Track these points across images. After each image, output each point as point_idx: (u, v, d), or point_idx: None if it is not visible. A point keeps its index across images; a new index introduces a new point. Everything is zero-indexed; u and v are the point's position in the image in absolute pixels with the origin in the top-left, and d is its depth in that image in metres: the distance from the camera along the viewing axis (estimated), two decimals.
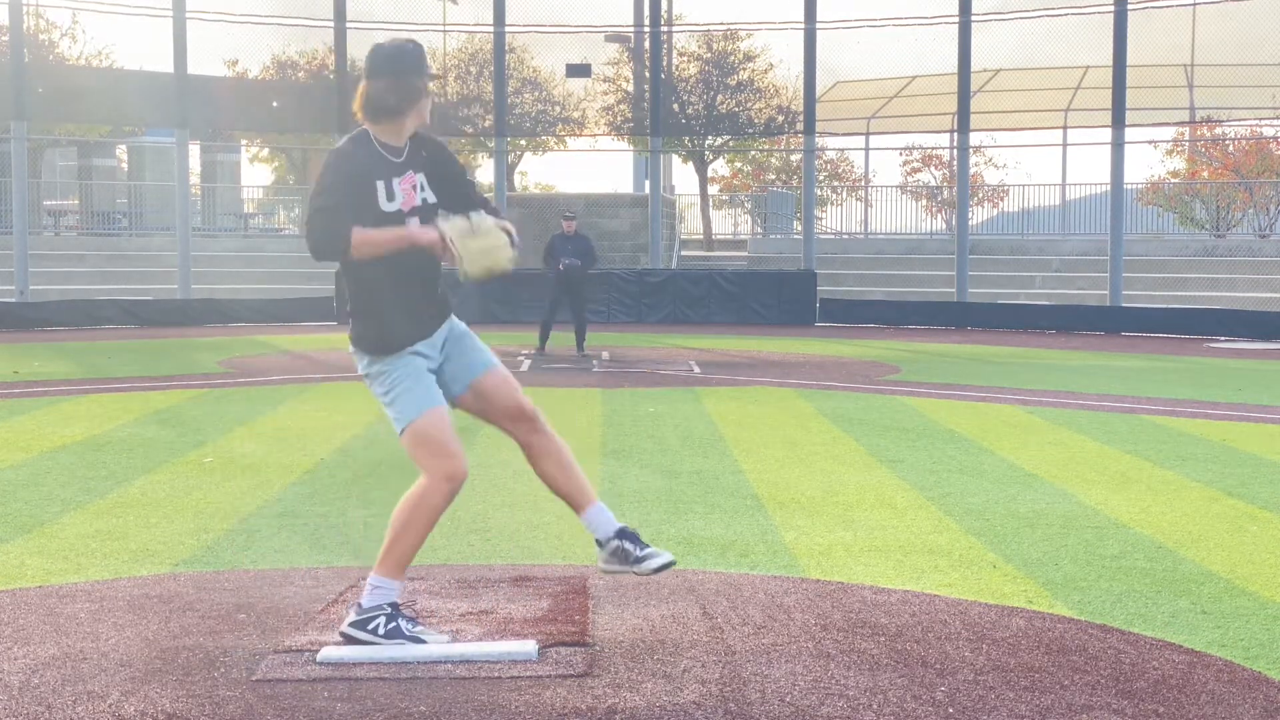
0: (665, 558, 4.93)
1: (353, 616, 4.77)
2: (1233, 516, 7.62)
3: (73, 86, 28.01)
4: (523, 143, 35.47)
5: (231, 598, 5.53)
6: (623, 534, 4.91)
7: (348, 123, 27.97)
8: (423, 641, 4.71)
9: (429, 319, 4.84)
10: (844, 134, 35.84)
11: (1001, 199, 38.98)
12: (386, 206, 4.71)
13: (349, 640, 4.73)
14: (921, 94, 32.59)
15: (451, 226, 4.74)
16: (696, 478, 8.73)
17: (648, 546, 4.93)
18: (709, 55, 32.38)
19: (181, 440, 10.35)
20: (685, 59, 32.38)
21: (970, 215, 30.96)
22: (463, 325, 4.97)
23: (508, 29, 28.31)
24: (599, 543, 4.93)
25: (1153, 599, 5.73)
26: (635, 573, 4.91)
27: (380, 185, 4.73)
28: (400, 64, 4.84)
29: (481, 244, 4.74)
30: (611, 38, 31.94)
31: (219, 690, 4.33)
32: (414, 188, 4.81)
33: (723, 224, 41.46)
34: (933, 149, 39.75)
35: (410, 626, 4.76)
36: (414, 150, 4.88)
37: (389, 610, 4.74)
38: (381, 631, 4.70)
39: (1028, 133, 40.73)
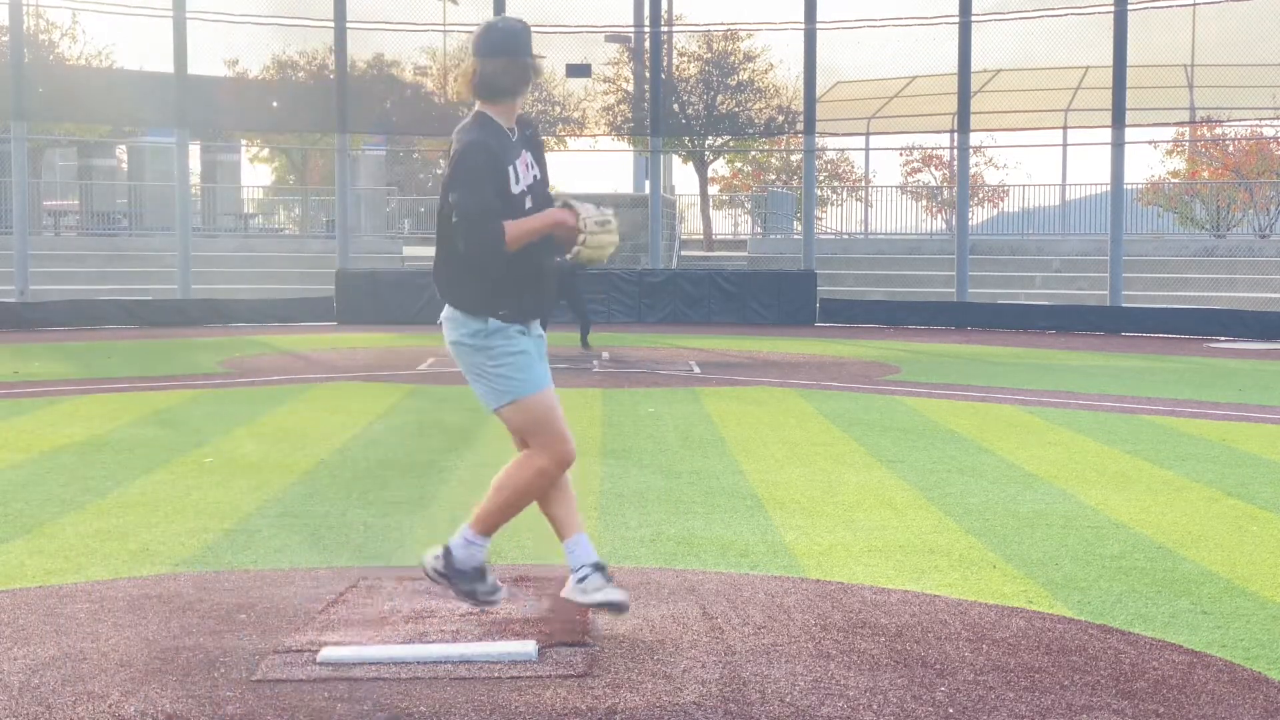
0: (619, 596, 4.90)
1: (442, 564, 4.92)
2: (1233, 516, 7.62)
3: (73, 86, 28.01)
4: None
5: (231, 598, 5.53)
6: (597, 566, 4.92)
7: (348, 122, 28.05)
8: (495, 602, 4.96)
9: (543, 302, 4.95)
10: (844, 134, 35.85)
11: (1001, 199, 38.99)
12: (515, 189, 4.82)
13: (435, 580, 4.93)
14: (921, 94, 32.59)
15: (588, 213, 4.89)
16: (696, 478, 8.73)
17: (612, 581, 4.95)
18: (709, 55, 32.39)
19: (181, 440, 10.34)
20: (685, 59, 32.40)
21: (970, 215, 30.96)
22: (542, 330, 5.05)
23: None
24: (573, 571, 4.94)
25: (1153, 599, 5.73)
26: (580, 600, 4.90)
27: (510, 169, 4.82)
28: (516, 44, 4.84)
29: (608, 237, 4.91)
30: (611, 38, 31.95)
31: (219, 690, 4.33)
32: (526, 166, 4.91)
33: (723, 224, 41.47)
34: (933, 149, 39.77)
35: (490, 594, 4.93)
36: (520, 128, 4.97)
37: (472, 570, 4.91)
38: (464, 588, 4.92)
39: (1028, 133, 40.66)
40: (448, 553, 4.93)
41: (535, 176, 4.93)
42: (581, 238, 4.85)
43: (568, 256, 4.91)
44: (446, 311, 4.89)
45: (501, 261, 4.72)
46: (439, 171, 52.14)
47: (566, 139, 36.02)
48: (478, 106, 4.90)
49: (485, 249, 4.69)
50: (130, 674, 4.50)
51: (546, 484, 4.86)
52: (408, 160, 48.03)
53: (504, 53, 4.81)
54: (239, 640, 4.88)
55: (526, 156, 4.92)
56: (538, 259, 4.87)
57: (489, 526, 4.92)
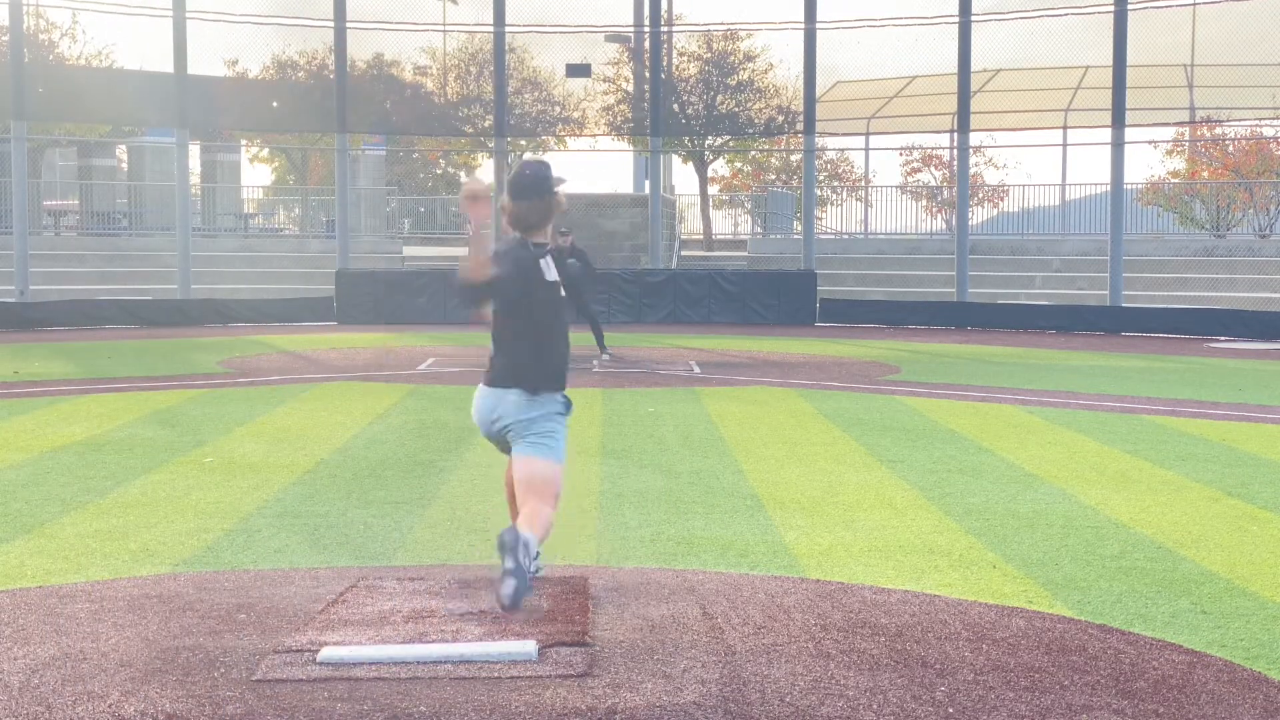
0: (512, 586, 5.08)
1: (522, 559, 5.15)
2: (1233, 516, 7.62)
3: (73, 86, 28.01)
4: (523, 143, 35.42)
5: (231, 598, 5.53)
6: (529, 544, 5.21)
7: (348, 123, 28.05)
8: (540, 568, 5.63)
9: None
10: (844, 134, 35.83)
11: (1001, 199, 38.97)
12: (548, 278, 5.72)
13: (516, 574, 5.08)
14: (921, 94, 32.59)
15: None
16: (696, 478, 8.73)
17: (539, 568, 5.63)
18: (709, 55, 32.38)
19: (181, 440, 10.34)
20: (685, 59, 32.39)
21: (970, 215, 30.97)
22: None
23: (508, 29, 28.32)
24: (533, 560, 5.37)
25: (1153, 599, 5.73)
26: (501, 566, 5.14)
27: (541, 263, 5.72)
28: (541, 186, 5.66)
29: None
30: (611, 38, 31.95)
31: (219, 690, 4.33)
32: (548, 265, 5.80)
33: (723, 224, 41.46)
34: (933, 149, 39.76)
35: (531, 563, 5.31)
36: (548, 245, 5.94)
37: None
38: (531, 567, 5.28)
39: (1028, 133, 40.68)
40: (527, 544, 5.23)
41: (552, 279, 5.77)
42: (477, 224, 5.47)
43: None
44: (544, 392, 5.59)
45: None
46: (439, 171, 52.17)
47: (566, 139, 36.04)
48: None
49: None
50: (130, 674, 4.50)
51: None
52: (408, 160, 48.02)
53: (534, 195, 5.64)
54: (239, 640, 4.88)
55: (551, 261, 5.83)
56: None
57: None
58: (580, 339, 18.79)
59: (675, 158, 38.26)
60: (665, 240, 30.95)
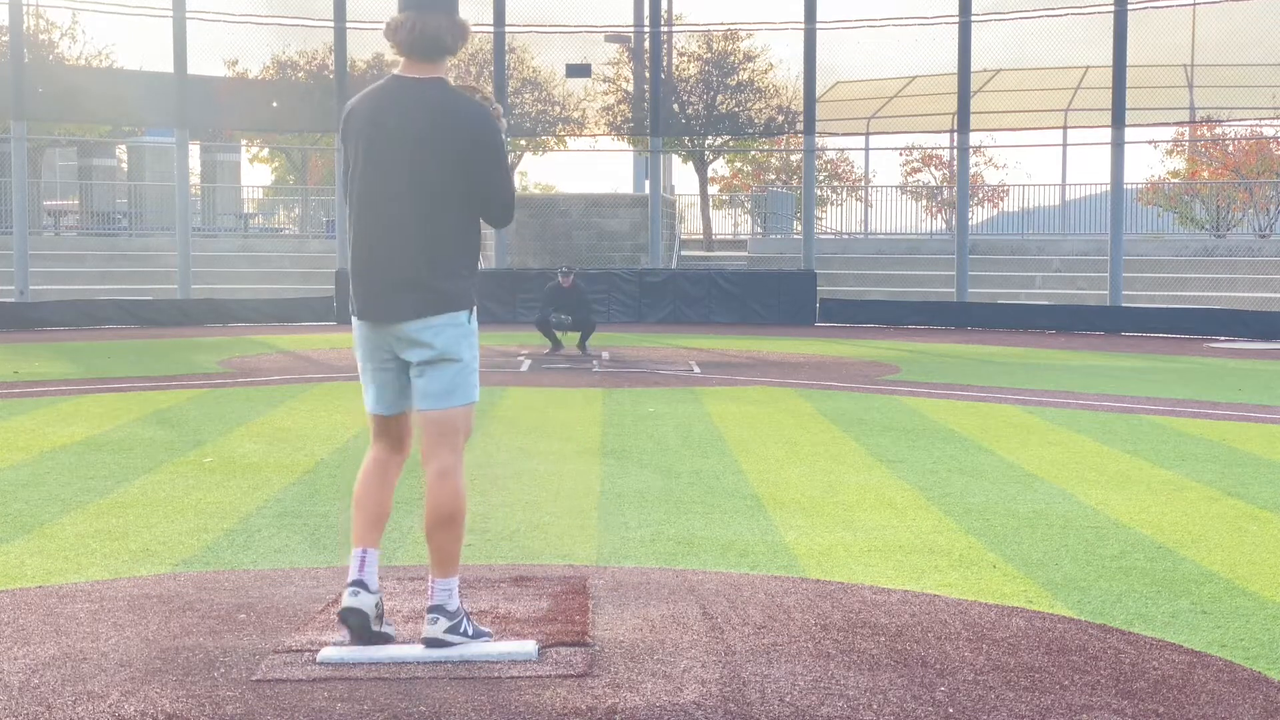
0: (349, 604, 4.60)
1: (445, 623, 4.61)
2: (1233, 516, 7.62)
3: (73, 86, 28.00)
4: (523, 142, 35.43)
5: (231, 598, 5.53)
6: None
7: None
8: (489, 636, 4.72)
9: None
10: (844, 134, 35.83)
11: (1001, 199, 38.97)
12: None
13: (442, 645, 4.58)
14: (921, 94, 32.58)
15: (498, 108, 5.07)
16: (696, 478, 8.73)
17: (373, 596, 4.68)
18: (709, 55, 32.38)
19: (181, 440, 10.34)
20: (685, 59, 32.38)
21: (970, 215, 30.96)
22: None
23: (508, 29, 28.31)
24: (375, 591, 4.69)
25: (1153, 599, 5.73)
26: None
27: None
28: (454, 3, 4.67)
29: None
30: (611, 38, 31.94)
31: (219, 690, 4.33)
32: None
33: (723, 224, 41.45)
34: (933, 149, 39.75)
35: (474, 626, 4.75)
36: None
37: (465, 611, 4.72)
38: (471, 632, 4.66)
39: (1028, 133, 40.72)
40: (440, 610, 4.63)
41: None
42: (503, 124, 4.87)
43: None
44: (420, 304, 4.64)
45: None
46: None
47: (566, 139, 36.03)
48: (416, 69, 4.64)
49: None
50: (130, 674, 4.50)
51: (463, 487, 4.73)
52: None
53: (446, 10, 4.61)
54: (239, 640, 4.88)
55: None
56: None
57: (453, 567, 4.69)
58: (569, 338, 18.84)
59: (675, 158, 38.27)
60: (665, 240, 30.95)
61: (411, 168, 4.60)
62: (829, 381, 15.35)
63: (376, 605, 4.64)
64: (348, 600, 4.61)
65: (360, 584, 4.63)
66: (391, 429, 4.99)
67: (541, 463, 9.27)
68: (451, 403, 4.75)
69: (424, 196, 4.60)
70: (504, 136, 4.83)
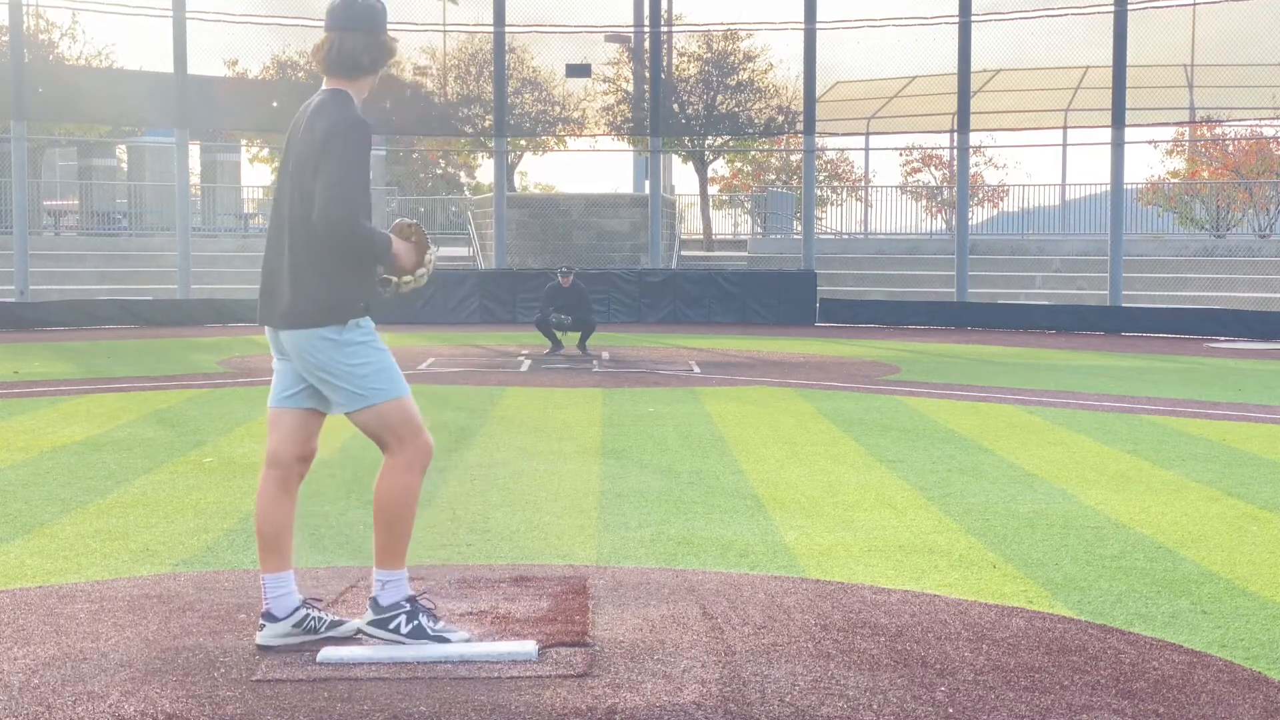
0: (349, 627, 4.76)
1: (371, 615, 4.71)
2: (1233, 516, 7.62)
3: (73, 86, 28.00)
4: (523, 143, 35.44)
5: (231, 598, 5.53)
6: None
7: None
8: (447, 640, 4.67)
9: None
10: (844, 134, 35.85)
11: (1001, 199, 38.98)
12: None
13: (370, 639, 4.69)
14: (921, 94, 32.60)
15: (433, 255, 4.91)
16: (696, 478, 8.73)
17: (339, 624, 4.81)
18: (709, 55, 32.38)
19: (181, 440, 10.34)
20: (685, 59, 32.39)
21: (970, 215, 30.97)
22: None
23: (508, 29, 28.30)
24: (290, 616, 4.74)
25: (1153, 599, 5.73)
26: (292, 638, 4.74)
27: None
28: (377, 20, 4.68)
29: (427, 278, 4.97)
30: (611, 38, 31.95)
31: (219, 690, 4.33)
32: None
33: (723, 224, 41.47)
34: (933, 149, 39.76)
35: (433, 624, 4.73)
36: None
37: (408, 607, 4.70)
38: (404, 630, 4.66)
39: (1028, 133, 40.71)
40: (373, 602, 4.71)
41: None
42: (421, 272, 4.80)
43: (394, 289, 4.78)
44: (291, 311, 4.62)
45: (355, 241, 4.53)
46: (440, 172, 52.11)
47: (566, 139, 36.03)
48: (328, 84, 4.68)
49: (352, 226, 4.46)
50: (130, 674, 4.50)
51: (420, 481, 4.75)
52: (408, 160, 48.01)
53: (367, 29, 4.64)
54: (239, 640, 4.88)
55: None
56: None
57: (395, 560, 4.71)
58: (569, 338, 18.83)
59: (675, 158, 38.27)
60: (665, 240, 30.96)
61: (293, 175, 4.64)
62: (829, 381, 15.36)
63: (300, 622, 4.71)
64: (257, 636, 4.75)
65: (268, 615, 4.74)
66: (281, 423, 4.98)
67: (541, 463, 9.27)
68: (364, 404, 4.86)
69: (297, 201, 4.63)
70: (428, 257, 4.80)
